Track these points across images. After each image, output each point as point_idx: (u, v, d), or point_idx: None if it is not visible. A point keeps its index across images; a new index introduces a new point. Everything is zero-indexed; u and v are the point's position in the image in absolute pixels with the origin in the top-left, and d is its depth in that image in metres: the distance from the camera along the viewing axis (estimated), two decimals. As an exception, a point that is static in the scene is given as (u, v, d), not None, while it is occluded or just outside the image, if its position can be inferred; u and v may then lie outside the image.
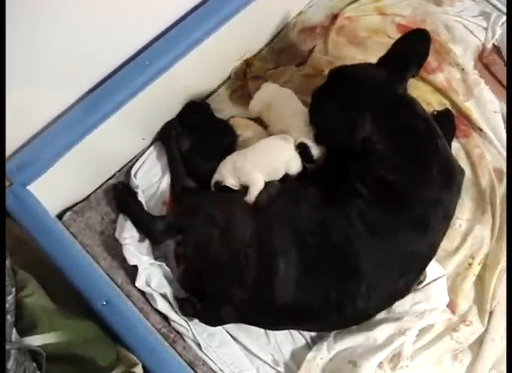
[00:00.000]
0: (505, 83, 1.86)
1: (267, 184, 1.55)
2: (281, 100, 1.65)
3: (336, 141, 1.51)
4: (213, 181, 1.55)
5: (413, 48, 1.48)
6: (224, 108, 1.76)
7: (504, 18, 1.93)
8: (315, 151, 1.54)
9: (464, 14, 1.94)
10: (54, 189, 1.41)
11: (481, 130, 1.77)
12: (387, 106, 1.42)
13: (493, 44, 1.91)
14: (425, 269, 1.47)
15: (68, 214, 1.55)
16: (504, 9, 1.95)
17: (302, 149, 1.54)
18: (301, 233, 1.40)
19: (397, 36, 1.72)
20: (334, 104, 1.47)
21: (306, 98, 1.71)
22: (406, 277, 1.41)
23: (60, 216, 1.55)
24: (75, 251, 1.33)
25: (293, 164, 1.55)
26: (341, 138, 1.47)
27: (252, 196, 1.50)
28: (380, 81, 1.45)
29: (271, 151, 1.55)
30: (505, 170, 1.73)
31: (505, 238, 1.62)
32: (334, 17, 1.92)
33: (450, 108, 1.77)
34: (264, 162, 1.53)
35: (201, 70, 1.66)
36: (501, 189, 1.70)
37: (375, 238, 1.37)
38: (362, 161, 1.42)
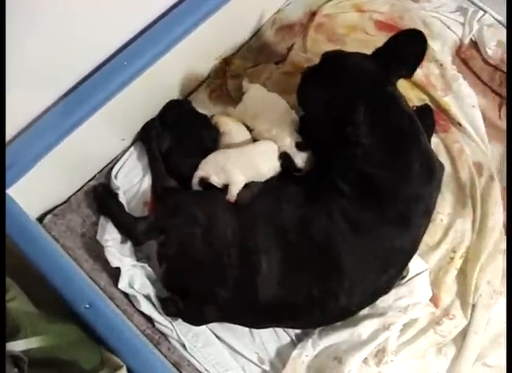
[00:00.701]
0: (483, 77, 1.88)
1: (249, 183, 1.54)
2: (268, 107, 1.65)
3: (322, 127, 1.51)
4: (197, 178, 1.53)
5: (409, 49, 1.46)
6: (204, 107, 1.75)
7: (481, 13, 1.95)
8: (298, 159, 1.54)
9: (441, 10, 1.96)
10: (34, 192, 1.39)
11: (460, 124, 1.79)
12: (376, 100, 1.42)
13: (471, 39, 1.93)
14: (407, 264, 1.48)
15: (49, 217, 1.54)
16: (481, 4, 1.97)
17: (285, 159, 1.55)
18: (283, 231, 1.40)
19: (375, 32, 1.74)
20: (325, 87, 1.47)
21: (286, 96, 1.71)
22: (388, 273, 1.41)
23: (40, 219, 1.53)
24: (56, 254, 1.32)
25: (277, 169, 1.57)
26: (327, 123, 1.46)
27: (232, 195, 1.50)
28: (372, 74, 1.45)
29: (258, 157, 1.55)
30: (484, 164, 1.74)
31: (487, 231, 1.64)
32: (313, 14, 1.93)
33: (429, 103, 1.78)
34: (249, 166, 1.53)
35: (180, 69, 1.66)
36: (481, 183, 1.72)
37: (357, 235, 1.37)
38: (345, 155, 1.42)
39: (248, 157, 1.54)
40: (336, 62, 1.50)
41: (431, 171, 1.44)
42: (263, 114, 1.62)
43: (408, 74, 1.51)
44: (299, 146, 1.54)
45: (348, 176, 1.41)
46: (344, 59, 1.50)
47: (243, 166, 1.53)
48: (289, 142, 1.55)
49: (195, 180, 1.54)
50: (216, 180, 1.52)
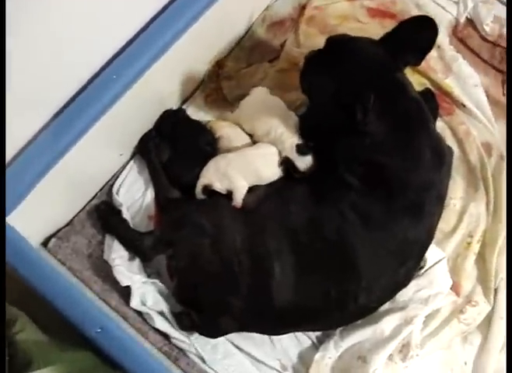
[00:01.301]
0: (482, 55, 1.85)
1: (253, 186, 1.52)
2: (265, 110, 1.60)
3: (327, 116, 1.47)
4: (200, 186, 1.51)
5: (418, 37, 1.41)
6: (201, 113, 1.72)
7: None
8: (300, 163, 1.50)
9: (433, -10, 1.92)
10: (35, 217, 1.37)
11: (464, 105, 1.76)
12: (385, 87, 1.38)
13: (466, 17, 1.90)
14: (424, 255, 1.45)
15: (53, 240, 1.51)
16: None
17: (286, 164, 1.51)
18: (294, 233, 1.38)
19: (368, 20, 1.71)
20: (332, 74, 1.42)
21: (284, 94, 1.69)
22: (406, 265, 1.39)
23: (45, 243, 1.51)
24: (61, 279, 1.29)
25: (280, 173, 1.54)
26: (334, 111, 1.41)
27: (237, 200, 1.47)
28: (380, 60, 1.41)
29: (258, 161, 1.52)
30: (493, 144, 1.71)
31: (503, 214, 1.61)
32: (303, 8, 1.89)
33: (430, 87, 1.75)
34: (250, 171, 1.50)
35: (173, 77, 1.63)
36: (491, 163, 1.69)
37: (370, 230, 1.35)
38: (352, 145, 1.39)
39: (248, 161, 1.52)
40: (343, 47, 1.45)
41: (441, 157, 1.41)
42: (260, 118, 1.58)
43: (416, 63, 1.48)
44: (300, 149, 1.50)
45: (356, 168, 1.38)
46: (351, 44, 1.45)
47: (245, 171, 1.50)
48: (289, 145, 1.51)
49: (199, 189, 1.51)
50: (220, 187, 1.50)
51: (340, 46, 1.46)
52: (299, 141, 1.52)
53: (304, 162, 1.49)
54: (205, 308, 1.38)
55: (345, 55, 1.43)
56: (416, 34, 1.41)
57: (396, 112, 1.38)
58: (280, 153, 1.53)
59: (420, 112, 1.42)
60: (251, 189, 1.51)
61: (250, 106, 1.63)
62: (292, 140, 1.52)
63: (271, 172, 1.52)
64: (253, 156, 1.53)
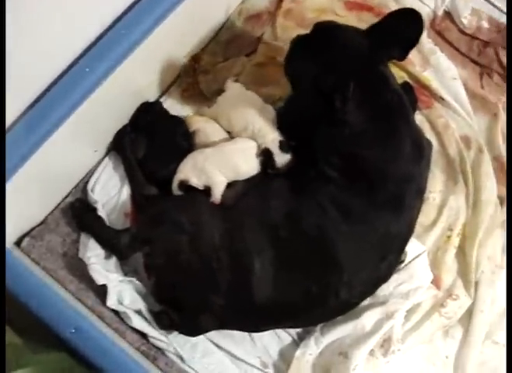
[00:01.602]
0: (460, 48, 1.85)
1: (231, 182, 1.50)
2: (242, 105, 1.58)
3: (308, 102, 1.45)
4: (176, 181, 1.49)
5: (404, 31, 1.40)
6: (177, 108, 1.70)
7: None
8: (280, 158, 1.48)
9: (411, -17, 1.91)
10: (7, 216, 1.32)
11: (442, 99, 1.76)
12: (366, 77, 1.37)
13: (444, 10, 1.90)
14: (404, 248, 1.45)
15: (27, 239, 1.48)
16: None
17: (265, 156, 1.49)
18: (273, 228, 1.36)
19: (345, 13, 1.69)
20: (315, 59, 1.41)
21: (261, 88, 1.68)
22: (387, 259, 1.38)
23: (18, 243, 1.48)
24: (36, 279, 1.27)
25: (258, 168, 1.52)
26: (314, 98, 1.39)
27: (216, 196, 1.45)
28: (364, 51, 1.39)
29: (236, 155, 1.50)
30: (471, 136, 1.71)
31: (483, 206, 1.61)
32: (280, 1, 1.87)
33: (408, 80, 1.74)
34: (228, 166, 1.48)
35: (147, 71, 1.60)
36: (470, 156, 1.69)
37: (351, 224, 1.34)
38: (332, 135, 1.38)
39: (226, 156, 1.50)
40: (329, 34, 1.44)
41: (420, 150, 1.41)
42: (236, 113, 1.56)
43: (399, 58, 1.46)
44: (283, 146, 1.48)
45: (336, 160, 1.37)
46: (337, 31, 1.45)
47: (223, 166, 1.48)
48: (270, 140, 1.50)
49: (175, 184, 1.49)
50: (197, 182, 1.47)
51: (326, 32, 1.45)
52: (282, 138, 1.51)
53: (283, 159, 1.48)
54: (185, 307, 1.36)
55: (330, 42, 1.42)
56: (402, 28, 1.40)
57: (376, 103, 1.37)
58: (259, 146, 1.51)
59: (401, 105, 1.41)
60: (230, 185, 1.49)
61: (226, 102, 1.61)
62: (274, 135, 1.50)
63: (249, 166, 1.51)
64: (231, 151, 1.51)
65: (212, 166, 1.47)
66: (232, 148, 1.52)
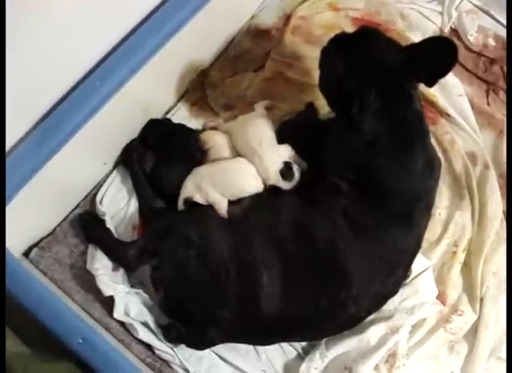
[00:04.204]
0: (467, 65, 1.85)
1: (241, 198, 1.49)
2: (255, 137, 1.55)
3: (330, 98, 1.47)
4: (181, 198, 1.50)
5: (438, 59, 1.37)
6: (185, 122, 1.70)
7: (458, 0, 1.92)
8: (287, 186, 1.48)
9: (418, 0, 1.93)
10: (16, 226, 1.33)
11: (448, 115, 1.76)
12: (390, 91, 1.36)
13: (451, 28, 1.91)
14: (411, 264, 1.44)
15: (35, 250, 1.49)
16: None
17: (286, 168, 1.49)
18: (282, 242, 1.36)
19: (353, 30, 1.70)
20: (349, 58, 1.40)
21: (276, 104, 1.69)
22: (395, 274, 1.38)
23: (26, 254, 1.49)
24: (44, 290, 1.27)
25: (255, 186, 1.51)
26: (336, 96, 1.42)
27: (221, 212, 1.45)
28: (397, 64, 1.37)
29: (231, 174, 1.50)
30: (477, 153, 1.71)
31: (488, 223, 1.61)
32: (288, 17, 1.88)
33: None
34: (223, 184, 1.48)
35: (157, 86, 1.61)
36: (476, 172, 1.69)
37: (361, 239, 1.34)
38: (345, 143, 1.38)
39: (221, 174, 1.50)
40: (370, 38, 1.43)
41: (431, 168, 1.41)
42: (246, 149, 1.55)
43: (427, 83, 1.43)
44: (286, 175, 1.48)
45: (347, 172, 1.37)
46: (378, 38, 1.44)
47: (218, 184, 1.47)
48: (273, 173, 1.49)
49: (180, 201, 1.50)
50: (200, 198, 1.48)
51: (368, 35, 1.44)
52: (281, 166, 1.49)
53: (289, 185, 1.48)
54: (192, 320, 1.36)
55: (367, 46, 1.42)
56: (437, 56, 1.38)
57: (395, 118, 1.36)
58: (263, 180, 1.50)
59: (420, 125, 1.40)
60: (238, 201, 1.48)
61: (242, 129, 1.59)
62: (274, 167, 1.49)
63: (249, 185, 1.50)
64: (226, 170, 1.51)
65: (205, 183, 1.47)
66: (227, 167, 1.53)
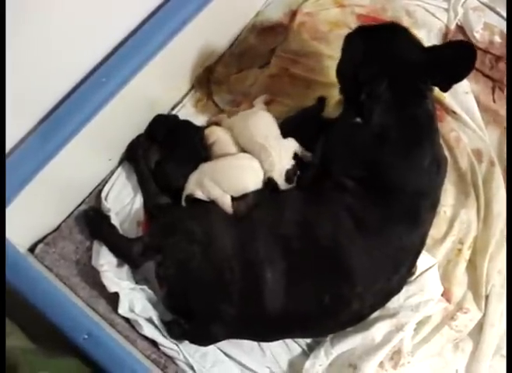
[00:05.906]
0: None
1: (246, 194, 1.49)
2: (260, 131, 1.55)
3: (344, 83, 1.47)
4: (184, 195, 1.50)
5: (456, 63, 1.37)
6: (191, 118, 1.70)
7: (465, -3, 1.92)
8: (284, 187, 1.48)
9: (424, -3, 1.93)
10: (21, 222, 1.34)
11: (454, 112, 1.75)
12: (404, 85, 1.36)
13: (457, 24, 1.90)
14: (416, 261, 1.44)
15: (40, 246, 1.49)
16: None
17: (269, 183, 1.49)
18: (286, 239, 1.35)
19: (358, 26, 1.69)
20: (370, 47, 1.41)
21: (274, 98, 1.69)
22: (400, 272, 1.38)
23: (32, 249, 1.49)
24: (48, 285, 1.27)
25: (257, 182, 1.50)
26: (350, 82, 1.42)
27: (225, 208, 1.45)
28: (417, 63, 1.38)
29: (233, 171, 1.50)
30: (483, 150, 1.71)
31: (494, 220, 1.61)
32: (293, 14, 1.88)
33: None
34: (224, 180, 1.47)
35: (162, 82, 1.61)
36: (482, 170, 1.69)
37: (365, 235, 1.33)
38: (353, 136, 1.39)
39: (222, 171, 1.50)
40: (396, 33, 1.44)
41: (439, 165, 1.41)
42: (250, 142, 1.55)
43: (441, 88, 1.44)
44: (289, 178, 1.48)
45: (354, 169, 1.37)
46: (403, 35, 1.44)
47: (219, 180, 1.47)
48: (277, 169, 1.48)
49: (183, 198, 1.50)
50: (201, 195, 1.47)
51: (394, 31, 1.45)
52: (289, 167, 1.49)
53: (288, 186, 1.48)
54: (196, 316, 1.36)
55: (391, 40, 1.42)
56: (455, 60, 1.37)
57: (405, 114, 1.36)
58: (265, 173, 1.49)
59: (430, 122, 1.40)
60: (243, 196, 1.48)
61: (244, 120, 1.59)
62: (281, 165, 1.48)
63: (250, 182, 1.49)
64: (227, 166, 1.51)
65: (209, 181, 1.47)
66: (229, 163, 1.52)
